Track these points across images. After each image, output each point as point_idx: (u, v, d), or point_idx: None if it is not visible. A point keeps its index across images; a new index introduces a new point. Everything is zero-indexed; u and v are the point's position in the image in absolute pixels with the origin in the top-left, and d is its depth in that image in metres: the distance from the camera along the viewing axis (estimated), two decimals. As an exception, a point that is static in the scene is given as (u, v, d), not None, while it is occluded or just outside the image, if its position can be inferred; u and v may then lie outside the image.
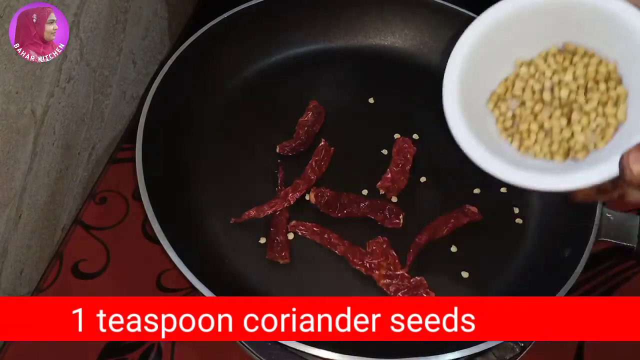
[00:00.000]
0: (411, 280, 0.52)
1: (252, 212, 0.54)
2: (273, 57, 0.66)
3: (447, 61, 0.66)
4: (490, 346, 0.46)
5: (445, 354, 0.44)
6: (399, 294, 0.51)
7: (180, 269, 0.47)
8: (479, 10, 0.65)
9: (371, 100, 0.64)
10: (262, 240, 0.54)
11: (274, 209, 0.55)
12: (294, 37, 0.66)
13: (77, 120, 0.55)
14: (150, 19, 0.65)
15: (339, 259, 0.53)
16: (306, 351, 0.44)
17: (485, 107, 0.42)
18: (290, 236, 0.54)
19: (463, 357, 0.45)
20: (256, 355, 0.50)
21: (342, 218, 0.55)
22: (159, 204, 0.50)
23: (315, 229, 0.54)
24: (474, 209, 0.56)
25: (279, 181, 0.57)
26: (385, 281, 0.52)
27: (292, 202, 0.55)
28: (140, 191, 0.50)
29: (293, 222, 0.55)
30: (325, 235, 0.54)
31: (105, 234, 0.57)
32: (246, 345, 0.50)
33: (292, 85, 0.64)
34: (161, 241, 0.48)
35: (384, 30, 0.68)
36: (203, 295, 0.46)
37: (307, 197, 0.56)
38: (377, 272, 0.52)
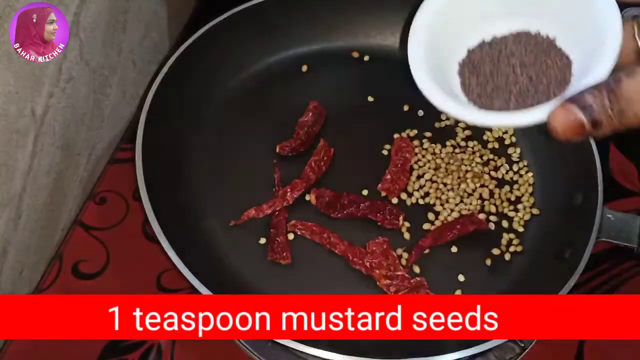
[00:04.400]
0: (411, 281, 0.52)
1: (252, 212, 0.54)
2: (273, 57, 0.66)
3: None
4: (491, 346, 0.46)
5: (446, 355, 0.44)
6: (400, 294, 0.51)
7: (180, 269, 0.47)
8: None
9: (371, 100, 0.64)
10: (262, 241, 0.54)
11: (273, 208, 0.55)
12: (294, 37, 0.66)
13: (77, 120, 0.55)
14: (150, 19, 0.65)
15: (339, 259, 0.53)
16: (306, 351, 0.44)
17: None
18: (290, 236, 0.54)
19: (463, 357, 0.45)
20: (256, 356, 0.50)
21: (342, 218, 0.55)
22: (159, 204, 0.50)
23: (314, 228, 0.54)
24: (482, 218, 0.56)
25: (275, 181, 0.57)
26: (385, 282, 0.52)
27: (291, 202, 0.55)
28: (140, 191, 0.50)
29: (292, 222, 0.55)
30: (325, 235, 0.54)
31: (105, 234, 0.57)
32: (246, 345, 0.50)
33: (292, 85, 0.64)
34: (161, 241, 0.48)
35: (385, 30, 0.68)
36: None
37: (307, 198, 0.56)
38: (377, 271, 0.52)
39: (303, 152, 0.59)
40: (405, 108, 0.64)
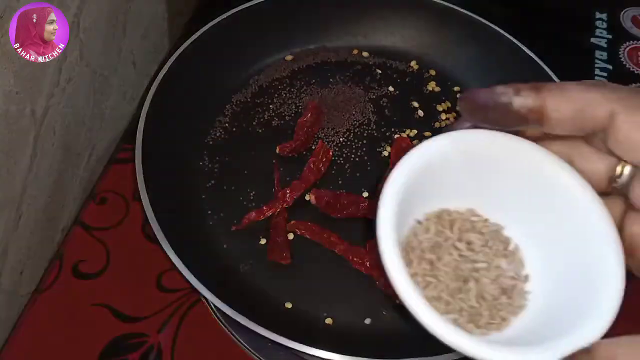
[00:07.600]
0: (411, 281, 0.52)
1: (252, 215, 0.54)
2: (273, 57, 0.66)
3: (447, 61, 0.67)
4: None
5: (446, 355, 0.44)
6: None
7: (180, 269, 0.47)
8: (479, 11, 0.66)
9: (371, 101, 0.64)
10: (263, 241, 0.54)
11: (273, 210, 0.55)
12: (293, 37, 0.66)
13: (77, 120, 0.55)
14: (150, 20, 0.65)
15: (338, 259, 0.53)
16: (306, 351, 0.44)
17: None
18: (290, 236, 0.54)
19: (463, 357, 0.45)
20: (256, 356, 0.50)
21: (342, 218, 0.55)
22: (159, 204, 0.50)
23: (314, 228, 0.54)
24: None
25: (274, 182, 0.57)
26: (385, 281, 0.52)
27: (290, 203, 0.55)
28: (140, 191, 0.50)
29: (292, 222, 0.55)
30: (325, 235, 0.54)
31: (105, 234, 0.57)
32: (246, 345, 0.50)
33: (292, 86, 0.64)
34: (161, 241, 0.48)
35: (384, 30, 0.68)
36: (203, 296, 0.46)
37: (307, 198, 0.56)
38: (377, 270, 0.52)
39: (303, 152, 0.59)
40: (406, 108, 0.64)
